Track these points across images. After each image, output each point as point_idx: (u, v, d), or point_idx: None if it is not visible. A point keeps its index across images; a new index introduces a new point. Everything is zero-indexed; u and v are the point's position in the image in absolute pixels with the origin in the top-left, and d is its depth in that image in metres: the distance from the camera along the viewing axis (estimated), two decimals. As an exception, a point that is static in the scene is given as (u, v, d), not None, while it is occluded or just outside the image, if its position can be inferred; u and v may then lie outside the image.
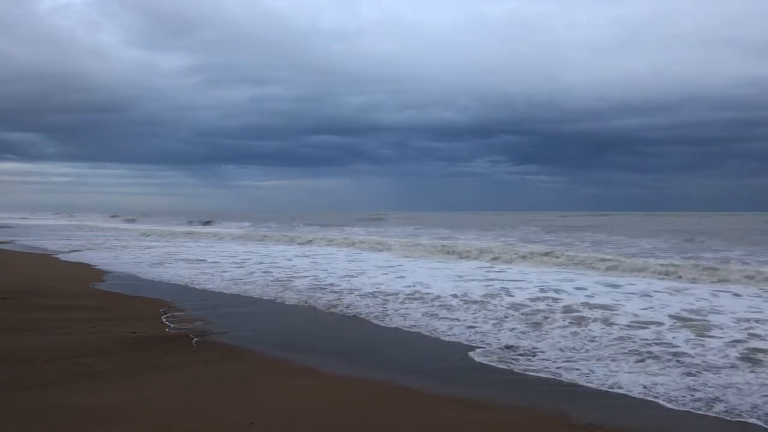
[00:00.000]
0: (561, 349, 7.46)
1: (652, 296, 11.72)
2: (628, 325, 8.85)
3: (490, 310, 10.16)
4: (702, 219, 58.34)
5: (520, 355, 7.23)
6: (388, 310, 10.28)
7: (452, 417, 5.17)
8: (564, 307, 10.43)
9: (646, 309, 10.26)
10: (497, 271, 16.59)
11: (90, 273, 16.09)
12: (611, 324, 8.94)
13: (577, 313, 9.77)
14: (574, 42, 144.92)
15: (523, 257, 19.47)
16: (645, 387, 5.98)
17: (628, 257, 18.33)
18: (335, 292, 12.46)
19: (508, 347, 7.60)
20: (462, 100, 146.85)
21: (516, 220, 60.54)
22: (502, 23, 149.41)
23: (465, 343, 7.93)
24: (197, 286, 13.46)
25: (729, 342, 7.77)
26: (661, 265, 15.94)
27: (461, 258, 20.60)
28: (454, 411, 5.34)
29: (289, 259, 20.56)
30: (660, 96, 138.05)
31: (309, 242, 30.17)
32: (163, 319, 9.31)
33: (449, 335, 8.41)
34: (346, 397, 5.66)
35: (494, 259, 19.74)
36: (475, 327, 8.85)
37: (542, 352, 7.37)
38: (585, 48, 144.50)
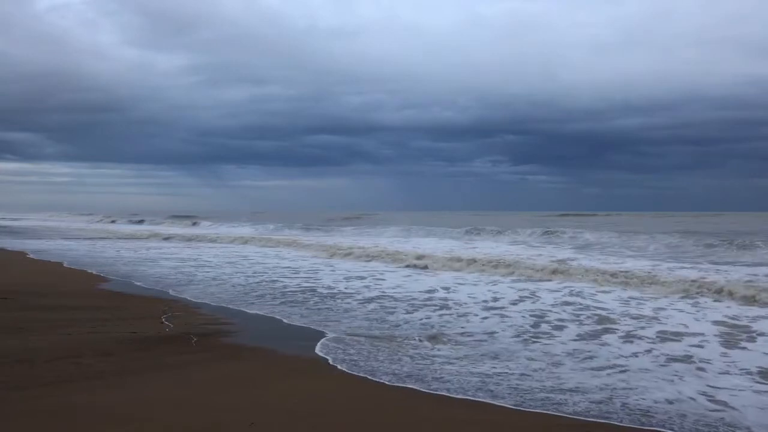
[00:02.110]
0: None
1: None
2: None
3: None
4: (712, 219, 57.63)
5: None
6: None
7: (452, 417, 5.18)
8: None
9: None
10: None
11: (90, 274, 16.09)
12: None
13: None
14: (574, 41, 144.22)
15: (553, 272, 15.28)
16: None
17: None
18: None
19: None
20: (462, 100, 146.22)
21: (518, 219, 60.40)
22: (501, 23, 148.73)
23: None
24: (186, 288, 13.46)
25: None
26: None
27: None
28: (454, 411, 5.35)
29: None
30: (661, 96, 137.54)
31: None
32: (163, 319, 9.31)
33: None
34: (346, 398, 5.66)
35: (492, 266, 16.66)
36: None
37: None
38: (585, 47, 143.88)
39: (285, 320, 9.58)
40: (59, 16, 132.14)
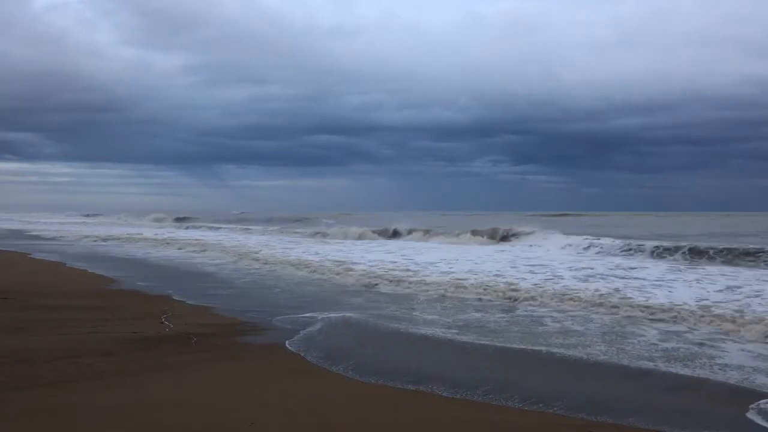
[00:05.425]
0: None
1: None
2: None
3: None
4: (717, 220, 56.94)
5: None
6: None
7: (452, 417, 5.17)
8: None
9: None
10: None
11: (90, 273, 16.10)
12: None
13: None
14: (574, 41, 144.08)
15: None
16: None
17: None
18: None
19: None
20: (462, 100, 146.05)
21: (518, 219, 59.98)
22: (501, 22, 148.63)
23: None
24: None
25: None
26: None
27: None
28: (454, 411, 5.35)
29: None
30: (661, 95, 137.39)
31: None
32: (163, 319, 9.31)
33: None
34: (346, 398, 5.66)
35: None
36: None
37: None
38: (585, 47, 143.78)
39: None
40: (57, 16, 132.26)
